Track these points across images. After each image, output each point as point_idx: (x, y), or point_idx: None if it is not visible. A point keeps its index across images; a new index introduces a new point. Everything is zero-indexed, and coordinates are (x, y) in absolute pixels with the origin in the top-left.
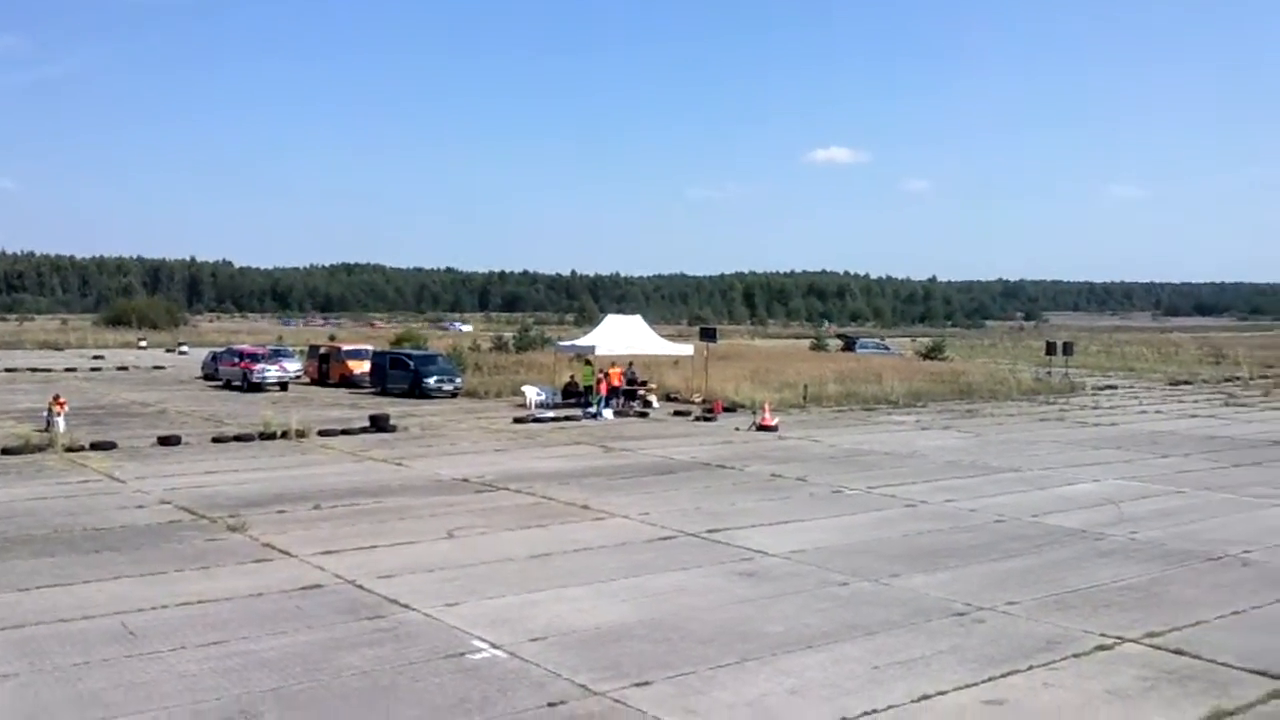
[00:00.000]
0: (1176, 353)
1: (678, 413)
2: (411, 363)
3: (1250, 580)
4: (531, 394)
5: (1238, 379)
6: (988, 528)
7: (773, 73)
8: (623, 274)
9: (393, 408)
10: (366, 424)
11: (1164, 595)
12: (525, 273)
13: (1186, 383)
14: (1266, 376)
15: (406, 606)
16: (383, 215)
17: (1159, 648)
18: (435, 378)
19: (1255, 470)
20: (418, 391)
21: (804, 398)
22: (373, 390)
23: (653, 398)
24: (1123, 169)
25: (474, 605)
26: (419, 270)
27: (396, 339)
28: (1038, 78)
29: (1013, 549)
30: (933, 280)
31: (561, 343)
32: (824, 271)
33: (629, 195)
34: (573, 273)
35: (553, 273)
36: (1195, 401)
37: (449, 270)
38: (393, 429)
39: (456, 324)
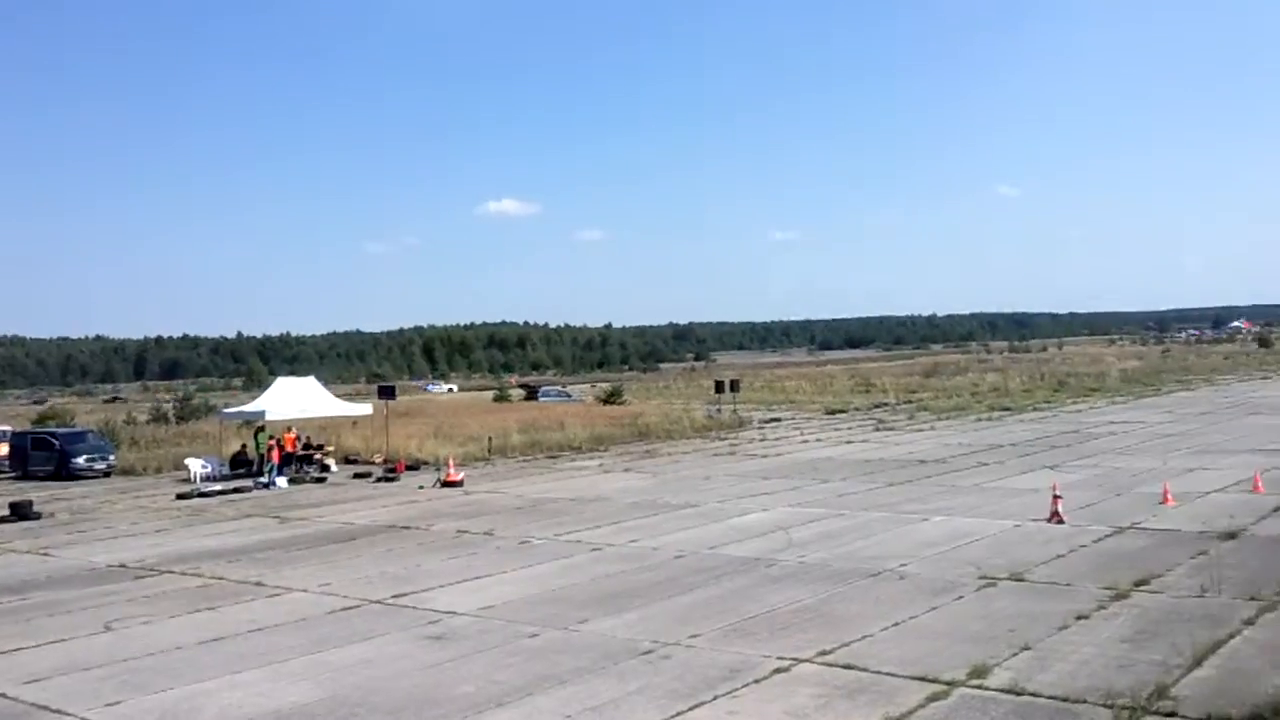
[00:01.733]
0: (831, 384)
1: (358, 475)
2: (57, 441)
3: (907, 592)
4: (195, 466)
5: (885, 405)
6: (670, 564)
7: (447, 125)
8: (294, 333)
9: (37, 492)
10: (6, 513)
11: (833, 614)
12: (185, 336)
13: (841, 411)
14: (910, 401)
15: (60, 712)
16: (15, 281)
17: (831, 664)
18: (85, 456)
19: (906, 488)
20: (65, 472)
21: (489, 450)
22: (13, 475)
23: (330, 461)
24: (781, 214)
25: (137, 702)
26: (64, 340)
27: (40, 417)
28: (704, 130)
29: (694, 582)
30: (609, 327)
31: (228, 410)
32: (504, 322)
33: (298, 251)
34: (239, 334)
35: (217, 335)
36: (850, 428)
37: (98, 338)
38: (37, 516)
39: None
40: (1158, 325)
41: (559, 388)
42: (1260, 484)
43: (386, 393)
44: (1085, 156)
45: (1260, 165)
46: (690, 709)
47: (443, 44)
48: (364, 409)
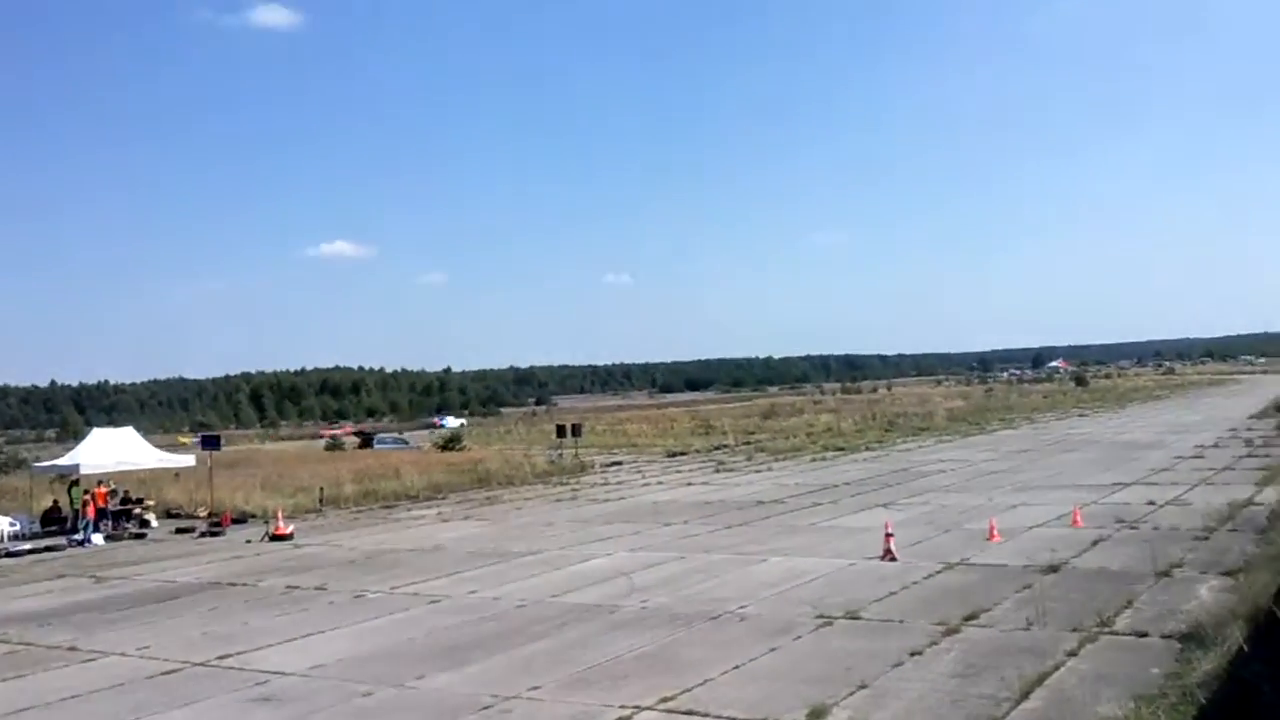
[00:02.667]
0: (672, 426)
1: (181, 530)
2: None
3: (747, 633)
4: (3, 525)
5: (725, 446)
6: (511, 614)
7: (273, 163)
8: (112, 381)
9: None
10: None
11: (675, 659)
12: None
13: (682, 454)
14: (749, 443)
15: None
16: None
17: (673, 711)
18: None
19: (745, 529)
20: None
21: (320, 501)
22: None
23: (151, 516)
24: (615, 260)
25: None
26: None
27: None
28: (541, 173)
29: (536, 632)
30: (448, 371)
31: (39, 464)
32: (337, 367)
33: (115, 294)
34: (52, 383)
35: (28, 384)
36: (691, 470)
37: None
38: None
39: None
40: (981, 365)
41: (395, 434)
42: (1079, 518)
43: (211, 443)
44: (907, 203)
45: (1073, 212)
46: None
47: (270, 85)
48: (187, 460)
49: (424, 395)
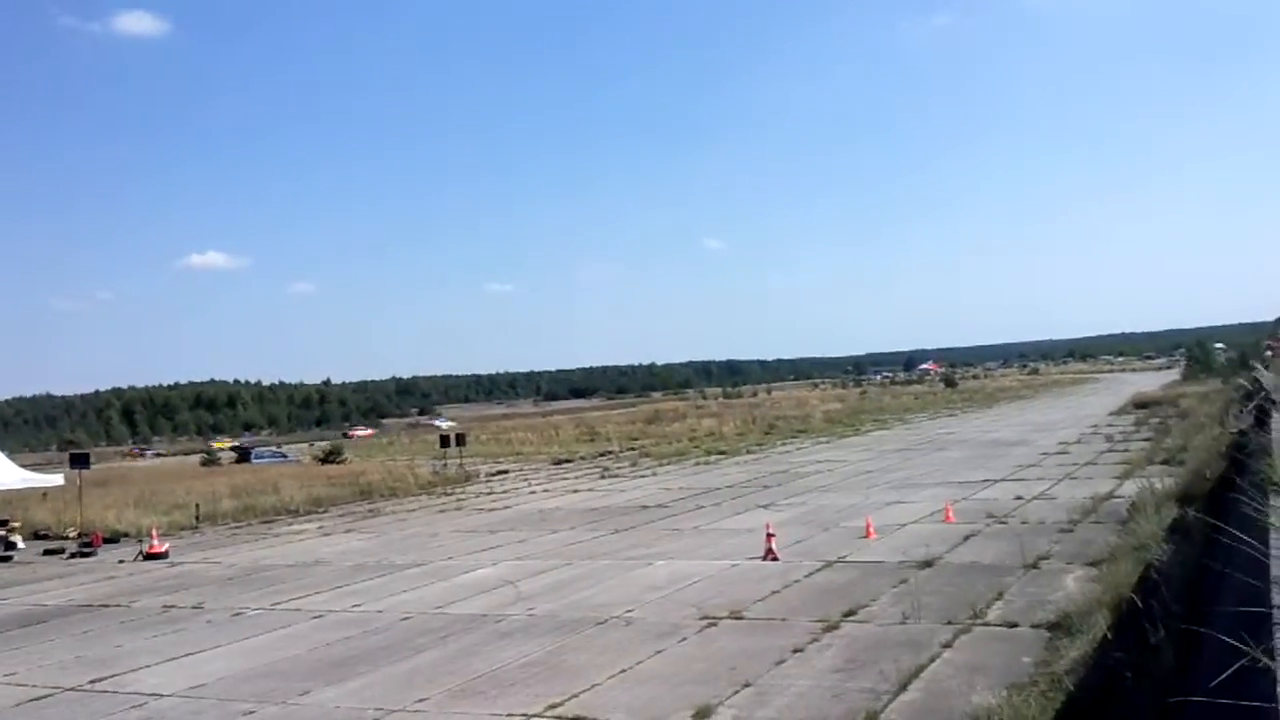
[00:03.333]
0: (557, 434)
1: (49, 551)
2: None
3: (633, 637)
4: None
5: (610, 453)
6: (395, 627)
7: (142, 173)
8: None
9: None
10: None
11: (562, 665)
12: None
13: (568, 461)
14: (633, 449)
15: None
16: None
17: (561, 717)
18: None
19: (630, 534)
20: None
21: (197, 518)
22: None
23: (17, 538)
24: (498, 268)
25: None
26: None
27: None
28: (418, 182)
29: (421, 644)
30: (327, 383)
31: None
32: (212, 381)
33: None
34: None
35: None
36: (576, 477)
37: None
38: None
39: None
40: (855, 369)
41: (274, 448)
42: (951, 514)
43: (80, 461)
44: (782, 211)
45: (941, 219)
46: None
47: (137, 93)
48: (55, 479)
49: (303, 408)
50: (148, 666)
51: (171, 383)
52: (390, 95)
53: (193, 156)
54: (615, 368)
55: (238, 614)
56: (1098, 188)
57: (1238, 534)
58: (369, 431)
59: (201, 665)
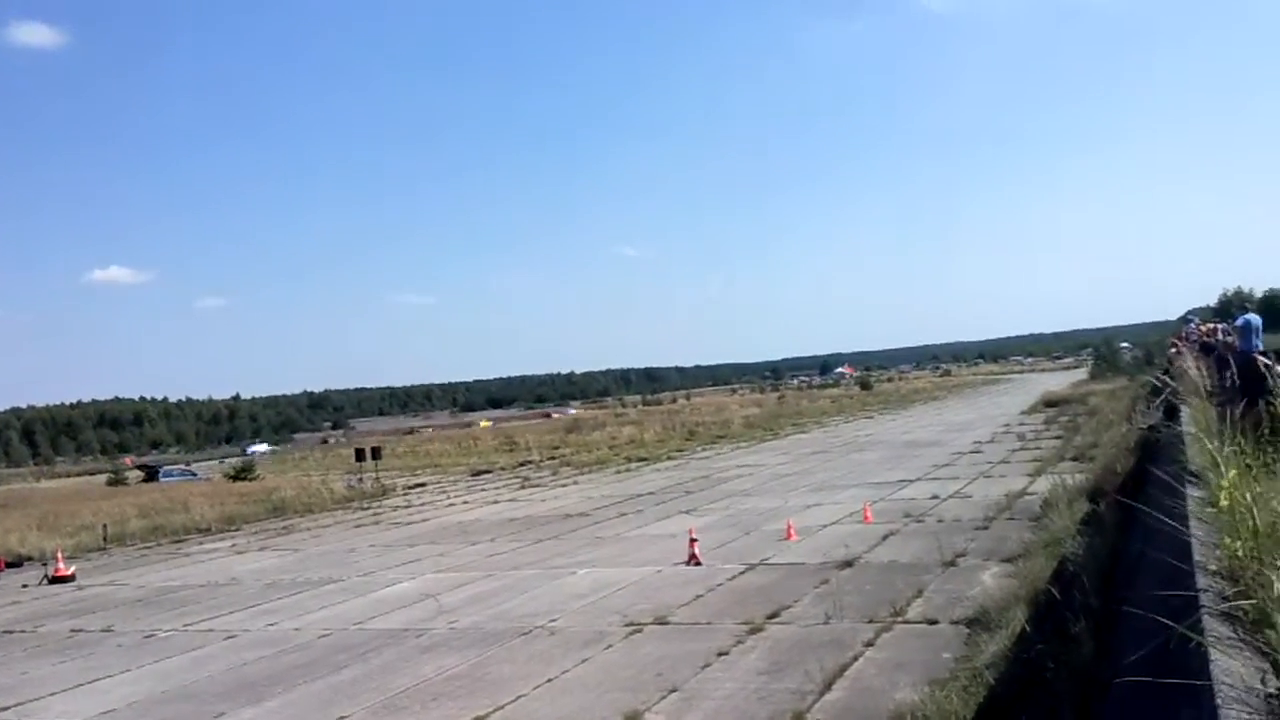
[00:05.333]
0: (475, 445)
1: None
2: None
3: (558, 646)
4: None
5: (530, 463)
6: (313, 645)
7: (40, 190)
8: None
9: None
10: None
11: (486, 677)
12: None
13: (487, 472)
14: (554, 458)
15: None
16: None
17: None
18: None
19: (553, 543)
20: None
21: (105, 539)
22: None
23: None
24: (414, 279)
25: None
26: None
27: None
28: (326, 192)
29: (340, 661)
30: (236, 398)
31: None
32: (117, 399)
33: None
34: None
35: None
36: (496, 488)
37: None
38: None
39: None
40: (773, 374)
41: (183, 466)
42: (870, 515)
43: None
44: (697, 218)
45: (852, 224)
46: None
47: (35, 105)
48: None
49: (212, 424)
50: (55, 693)
51: (74, 401)
52: (300, 105)
53: (94, 170)
54: (534, 377)
55: (149, 636)
56: (1008, 191)
57: (1163, 518)
58: (263, 448)
59: (112, 690)
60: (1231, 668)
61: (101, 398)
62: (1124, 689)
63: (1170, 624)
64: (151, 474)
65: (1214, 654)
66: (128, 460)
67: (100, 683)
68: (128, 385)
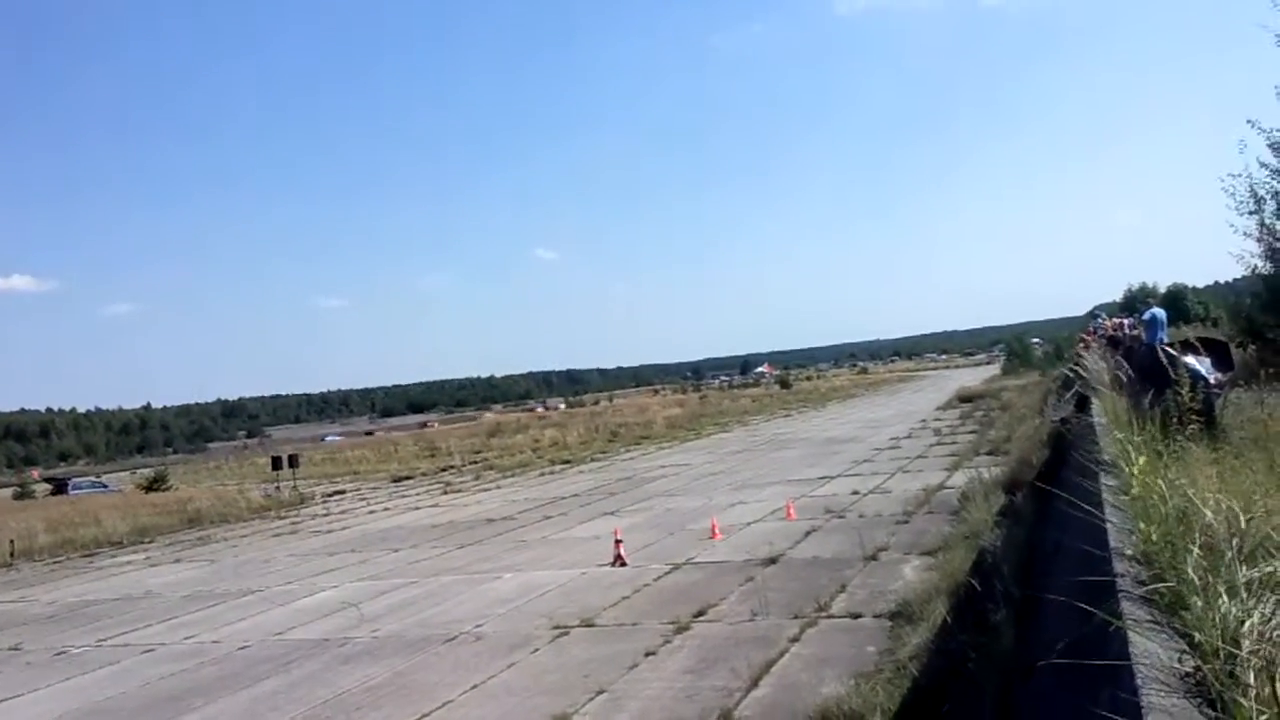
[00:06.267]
0: (396, 451)
1: None
2: None
3: (484, 652)
4: None
5: (452, 467)
6: (233, 657)
7: None
8: None
9: None
10: None
11: (411, 685)
12: None
13: (408, 478)
14: (476, 462)
15: None
16: None
17: None
18: None
19: (477, 548)
20: None
21: (11, 554)
22: None
23: None
24: (327, 282)
25: None
26: None
27: None
28: (236, 194)
29: (260, 673)
30: (148, 407)
31: None
32: (22, 410)
33: None
34: None
35: None
36: (417, 494)
37: None
38: None
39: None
40: (694, 374)
41: (93, 478)
42: (792, 512)
43: None
44: (612, 220)
45: (768, 227)
46: None
47: None
48: None
49: (122, 434)
50: None
51: None
52: (212, 99)
53: None
54: (453, 381)
55: (60, 653)
56: (918, 194)
57: (1079, 503)
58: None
59: (21, 710)
60: (1150, 649)
61: (6, 409)
62: (1047, 671)
63: (1089, 609)
64: (60, 486)
65: (1133, 636)
66: (34, 473)
67: (8, 703)
68: (34, 397)
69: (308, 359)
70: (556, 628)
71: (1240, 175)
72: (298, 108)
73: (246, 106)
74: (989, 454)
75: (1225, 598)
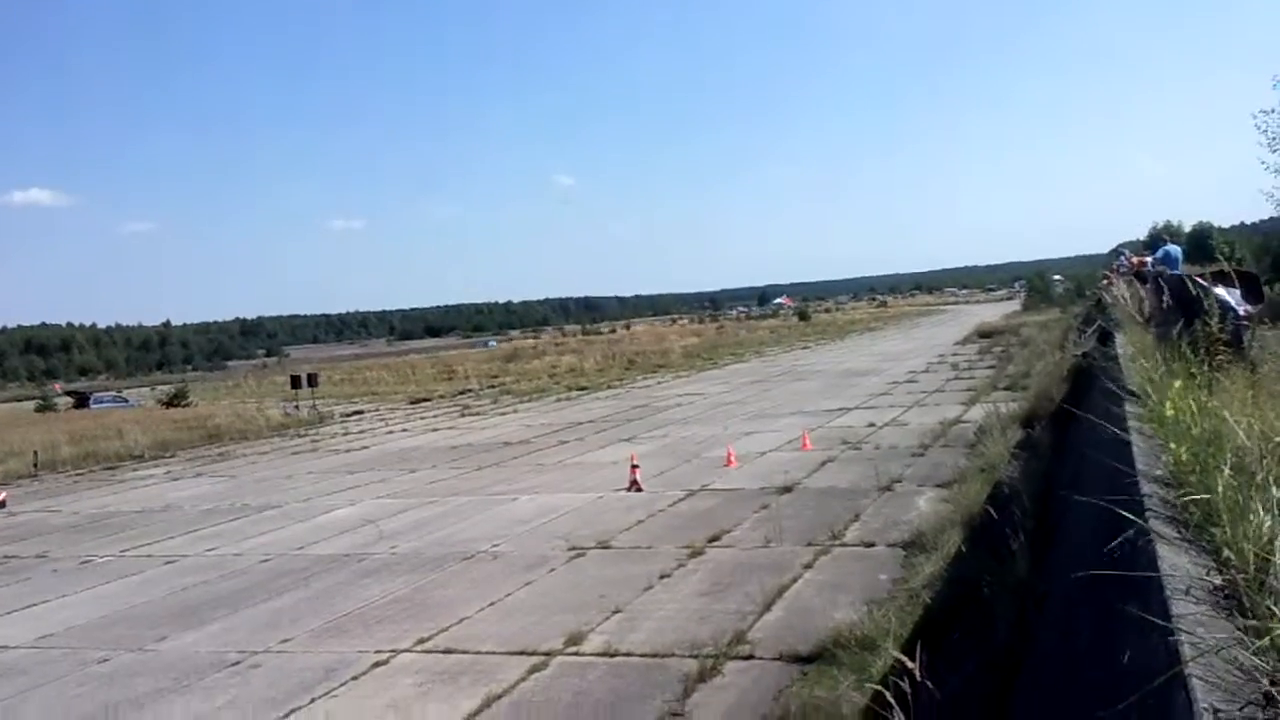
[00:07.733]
0: (414, 373)
1: None
2: None
3: (501, 570)
4: None
5: (470, 391)
6: (255, 569)
7: None
8: None
9: None
10: None
11: (429, 601)
12: None
13: (426, 400)
14: (493, 386)
15: None
16: None
17: (431, 651)
18: None
19: (494, 470)
20: None
21: (35, 465)
22: None
23: None
24: (345, 204)
25: None
26: None
27: None
28: (255, 114)
29: (282, 585)
30: (167, 325)
31: None
32: (43, 325)
33: None
34: None
35: None
36: (435, 416)
37: None
38: None
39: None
40: (712, 304)
41: (114, 393)
42: (808, 442)
43: None
44: (633, 148)
45: (793, 160)
46: (286, 715)
47: None
48: None
49: (142, 351)
50: None
51: None
52: (227, 22)
53: (12, 89)
54: (471, 306)
55: (85, 562)
56: (944, 128)
57: (1105, 424)
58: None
59: (49, 615)
60: (1179, 562)
61: (27, 323)
62: (1071, 586)
63: (1115, 526)
64: (82, 400)
65: (1161, 549)
66: (56, 386)
67: (36, 608)
68: (55, 311)
69: (326, 280)
70: (573, 549)
71: (1274, 111)
72: (313, 32)
73: (260, 33)
74: (1007, 389)
75: (1260, 510)
